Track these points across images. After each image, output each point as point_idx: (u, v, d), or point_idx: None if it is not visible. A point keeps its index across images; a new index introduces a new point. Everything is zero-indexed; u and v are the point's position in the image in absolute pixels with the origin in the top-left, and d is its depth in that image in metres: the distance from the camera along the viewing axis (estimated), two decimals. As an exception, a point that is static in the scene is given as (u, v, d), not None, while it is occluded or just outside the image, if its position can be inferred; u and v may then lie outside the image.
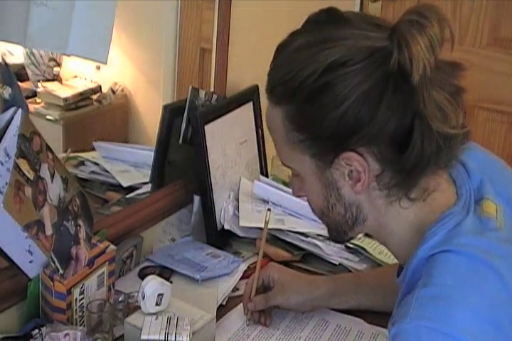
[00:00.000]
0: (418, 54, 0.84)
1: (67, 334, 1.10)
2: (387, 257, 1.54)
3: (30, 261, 1.15)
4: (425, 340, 0.82)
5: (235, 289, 1.42)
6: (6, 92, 1.12)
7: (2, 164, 1.07)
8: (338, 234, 1.03)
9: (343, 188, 0.94)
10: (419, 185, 0.93)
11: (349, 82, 0.87)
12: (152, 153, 1.59)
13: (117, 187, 1.60)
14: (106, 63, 1.19)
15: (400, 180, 0.91)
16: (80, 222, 1.22)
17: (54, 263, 1.16)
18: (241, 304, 1.37)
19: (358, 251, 1.54)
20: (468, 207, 0.94)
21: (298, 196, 1.05)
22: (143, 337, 1.10)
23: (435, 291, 0.85)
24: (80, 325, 1.20)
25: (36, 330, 1.13)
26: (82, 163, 1.61)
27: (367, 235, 1.61)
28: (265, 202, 1.65)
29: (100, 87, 1.68)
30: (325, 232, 1.55)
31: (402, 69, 0.85)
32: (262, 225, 1.55)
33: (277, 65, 0.95)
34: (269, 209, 1.39)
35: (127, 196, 1.58)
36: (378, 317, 1.33)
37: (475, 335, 0.81)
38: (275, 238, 1.56)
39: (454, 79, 0.90)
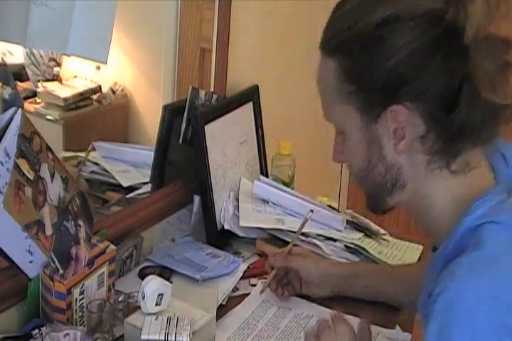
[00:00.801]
0: (473, 15, 0.86)
1: (67, 334, 1.10)
2: (387, 257, 1.54)
3: (30, 261, 1.15)
4: (469, 301, 0.82)
5: (235, 289, 1.42)
6: (6, 92, 1.12)
7: (2, 164, 1.07)
8: (376, 201, 1.01)
9: (386, 147, 0.94)
10: (461, 157, 0.93)
11: (404, 36, 0.88)
12: (152, 153, 1.59)
13: (117, 187, 1.60)
14: (106, 63, 1.19)
15: (443, 145, 0.91)
16: (80, 222, 1.22)
17: (54, 263, 1.16)
18: (241, 304, 1.38)
19: (358, 251, 1.54)
20: (508, 191, 0.94)
21: (337, 161, 1.05)
22: (143, 337, 1.10)
23: (485, 255, 0.85)
24: (80, 325, 1.20)
25: (36, 330, 1.13)
26: (81, 163, 1.61)
27: (366, 235, 1.61)
28: (265, 202, 1.65)
29: (100, 87, 1.68)
30: (325, 232, 1.57)
31: (455, 30, 0.87)
32: (261, 225, 1.56)
33: (335, 18, 0.98)
34: (311, 211, 1.46)
35: (127, 196, 1.58)
36: (378, 317, 1.33)
37: None
38: (275, 238, 1.56)
39: (505, 54, 0.91)
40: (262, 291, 1.39)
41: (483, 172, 0.96)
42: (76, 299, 1.19)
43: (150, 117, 1.70)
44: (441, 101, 0.89)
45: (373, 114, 0.93)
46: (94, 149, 1.63)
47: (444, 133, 0.91)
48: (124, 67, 1.69)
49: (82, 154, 1.61)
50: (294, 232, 1.53)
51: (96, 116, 1.70)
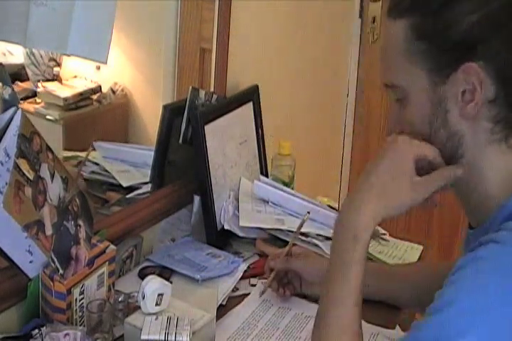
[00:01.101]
0: None
1: (67, 334, 1.10)
2: (387, 257, 1.54)
3: (30, 261, 1.15)
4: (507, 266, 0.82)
5: (235, 289, 1.42)
6: (6, 92, 1.12)
7: (2, 164, 1.07)
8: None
9: (452, 111, 0.93)
10: None
11: None
12: (152, 153, 1.59)
13: (117, 187, 1.60)
14: (106, 63, 1.19)
15: (509, 113, 0.91)
16: (80, 222, 1.22)
17: (54, 263, 1.16)
18: (241, 304, 1.38)
19: (358, 251, 1.54)
20: None
21: (393, 132, 1.01)
22: (143, 337, 1.10)
23: None
24: (80, 325, 1.20)
25: (36, 330, 1.13)
26: (81, 163, 1.61)
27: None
28: (265, 202, 1.65)
29: (100, 87, 1.68)
30: (325, 232, 1.57)
31: None
32: (261, 225, 1.56)
33: None
34: (308, 213, 1.47)
35: (127, 196, 1.58)
36: (378, 316, 1.33)
37: None
38: (275, 238, 1.56)
39: None
40: (262, 293, 1.39)
41: None
42: (76, 299, 1.19)
43: (150, 117, 1.70)
44: None
45: (443, 74, 0.92)
46: (94, 149, 1.63)
47: None
48: (124, 67, 1.69)
49: (82, 154, 1.61)
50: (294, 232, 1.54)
51: (96, 116, 1.70)
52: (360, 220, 0.96)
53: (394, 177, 0.95)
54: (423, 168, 0.97)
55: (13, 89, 1.14)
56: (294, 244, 1.45)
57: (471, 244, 0.92)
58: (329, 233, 1.58)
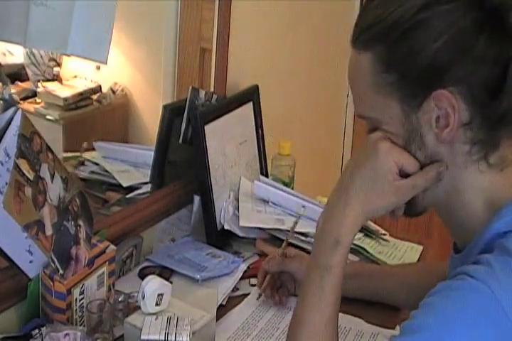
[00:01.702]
0: None
1: (67, 334, 1.10)
2: (387, 257, 1.54)
3: (30, 261, 1.15)
4: (480, 300, 0.83)
5: (235, 289, 1.42)
6: (6, 92, 1.12)
7: (2, 164, 1.07)
8: (411, 201, 0.98)
9: (427, 136, 0.92)
10: (500, 149, 0.92)
11: (446, 18, 0.87)
12: (152, 153, 1.59)
13: (117, 187, 1.60)
14: (106, 63, 1.19)
15: (485, 134, 0.90)
16: (80, 222, 1.22)
17: (54, 263, 1.16)
18: (241, 304, 1.38)
19: (358, 251, 1.54)
20: None
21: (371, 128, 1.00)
22: (143, 337, 1.10)
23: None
24: (80, 325, 1.20)
25: (36, 330, 1.13)
26: (82, 163, 1.61)
27: (366, 235, 1.61)
28: (265, 202, 1.65)
29: (100, 87, 1.68)
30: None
31: (497, 12, 0.86)
32: (261, 225, 1.56)
33: (369, 9, 0.94)
34: (303, 206, 1.48)
35: (127, 196, 1.58)
36: (378, 316, 1.33)
37: None
38: (275, 238, 1.56)
39: None
40: (259, 296, 1.39)
41: None
42: (76, 299, 1.19)
43: (150, 117, 1.70)
44: (486, 85, 0.88)
45: (415, 102, 0.91)
46: (93, 149, 1.63)
47: (488, 120, 0.89)
48: (124, 67, 1.69)
49: (82, 154, 1.61)
50: (295, 232, 1.53)
51: (96, 116, 1.70)
52: (342, 224, 0.97)
53: (375, 179, 0.95)
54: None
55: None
56: (290, 244, 1.44)
57: (454, 269, 0.92)
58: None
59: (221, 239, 1.57)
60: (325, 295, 0.96)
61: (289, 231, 1.54)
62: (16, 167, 1.09)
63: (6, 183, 1.07)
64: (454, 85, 0.88)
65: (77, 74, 1.69)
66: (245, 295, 1.41)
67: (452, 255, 1.01)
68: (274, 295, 1.37)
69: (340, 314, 1.31)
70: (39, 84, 1.62)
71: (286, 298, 1.38)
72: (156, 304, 1.18)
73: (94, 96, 1.67)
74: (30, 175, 1.12)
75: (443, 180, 0.94)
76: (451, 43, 0.87)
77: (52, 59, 1.63)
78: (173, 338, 1.10)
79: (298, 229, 1.54)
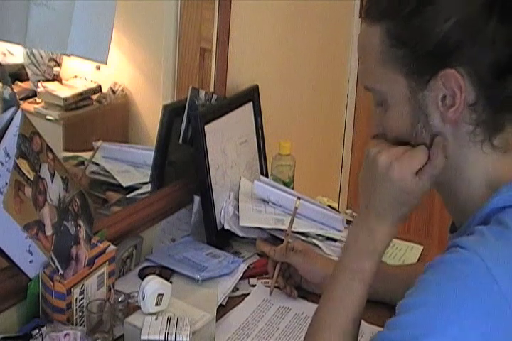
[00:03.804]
0: None
1: (67, 334, 1.10)
2: (387, 257, 1.54)
3: (30, 261, 1.15)
4: (470, 269, 0.83)
5: (235, 289, 1.42)
6: (6, 92, 1.12)
7: (2, 164, 1.07)
8: None
9: (432, 115, 0.92)
10: (503, 133, 0.92)
11: None
12: (152, 153, 1.59)
13: (117, 187, 1.60)
14: (106, 63, 1.19)
15: (490, 116, 0.91)
16: (80, 222, 1.22)
17: (54, 263, 1.16)
18: (241, 304, 1.38)
19: (358, 251, 1.54)
20: None
21: (376, 133, 1.01)
22: (143, 337, 1.10)
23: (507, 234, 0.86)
24: (80, 325, 1.20)
25: (36, 330, 1.13)
26: (82, 163, 1.61)
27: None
28: (265, 202, 1.65)
29: (100, 87, 1.68)
30: (325, 232, 1.57)
31: None
32: (261, 225, 1.56)
33: None
34: (298, 198, 1.48)
35: (127, 196, 1.58)
36: (378, 316, 1.33)
37: None
38: (275, 238, 1.56)
39: None
40: (271, 292, 1.40)
41: None
42: (76, 299, 1.19)
43: (150, 117, 1.70)
44: (494, 67, 0.88)
45: (422, 80, 0.91)
46: (97, 149, 1.63)
47: (494, 101, 0.90)
48: (123, 67, 1.69)
49: (82, 154, 1.61)
50: (294, 232, 1.54)
51: (96, 116, 1.70)
52: (380, 233, 1.00)
53: (394, 194, 0.97)
54: None
55: (12, 90, 1.14)
56: (289, 242, 1.45)
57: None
58: (329, 233, 1.58)
59: (221, 239, 1.57)
60: (355, 297, 0.98)
61: (291, 232, 1.54)
62: (16, 167, 1.09)
63: (6, 183, 1.07)
64: (462, 65, 0.89)
65: (77, 74, 1.68)
66: (245, 295, 1.41)
67: (448, 237, 1.02)
68: (286, 286, 1.39)
69: (340, 314, 1.31)
70: (39, 84, 1.62)
71: (295, 291, 1.40)
72: (156, 304, 1.18)
73: (94, 96, 1.67)
74: (30, 175, 1.12)
75: (447, 159, 0.95)
76: (461, 24, 0.88)
77: (52, 59, 1.62)
78: (173, 338, 1.10)
79: (298, 229, 1.54)
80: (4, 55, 1.52)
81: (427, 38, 0.89)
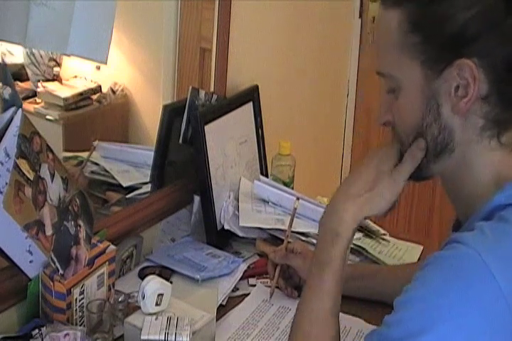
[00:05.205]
0: None
1: (67, 334, 1.10)
2: (387, 257, 1.54)
3: (30, 261, 1.15)
4: (468, 265, 0.84)
5: (235, 289, 1.42)
6: (6, 92, 1.12)
7: (2, 164, 1.07)
8: (420, 167, 0.99)
9: (444, 106, 0.92)
10: None
11: None
12: (152, 153, 1.59)
13: (117, 187, 1.60)
14: (106, 63, 1.19)
15: (501, 111, 0.91)
16: (80, 222, 1.22)
17: (54, 263, 1.16)
18: (241, 304, 1.38)
19: (358, 251, 1.54)
20: None
21: (383, 121, 1.01)
22: (143, 337, 1.10)
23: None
24: (80, 325, 1.20)
25: (36, 330, 1.13)
26: (82, 163, 1.61)
27: (367, 235, 1.61)
28: (265, 202, 1.65)
29: (100, 87, 1.68)
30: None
31: None
32: (261, 225, 1.56)
33: None
34: (298, 199, 1.48)
35: (127, 196, 1.58)
36: (378, 316, 1.33)
37: None
38: (275, 238, 1.56)
39: None
40: (271, 295, 1.40)
41: None
42: (76, 299, 1.19)
43: (150, 117, 1.70)
44: (508, 62, 0.88)
45: (436, 68, 0.91)
46: (95, 148, 1.63)
47: (504, 96, 0.90)
48: (123, 67, 1.68)
49: (82, 154, 1.61)
50: (294, 232, 1.54)
51: (96, 116, 1.70)
52: (342, 218, 1.01)
53: (374, 180, 1.01)
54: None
55: (14, 90, 1.13)
56: (289, 242, 1.45)
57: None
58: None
59: (221, 239, 1.57)
60: (325, 286, 1.00)
61: (292, 232, 1.54)
62: (16, 167, 1.09)
63: (6, 183, 1.07)
64: (478, 57, 0.89)
65: (77, 74, 1.68)
66: (245, 295, 1.41)
67: (450, 234, 1.02)
68: (287, 287, 1.39)
69: (340, 314, 1.31)
70: (39, 84, 1.62)
71: (295, 291, 1.40)
72: (156, 304, 1.18)
73: (94, 96, 1.67)
74: (30, 175, 1.12)
75: (453, 153, 0.95)
76: (481, 15, 0.88)
77: (52, 59, 1.62)
78: (173, 338, 1.10)
79: (298, 229, 1.54)
80: (4, 55, 1.52)
81: (446, 25, 0.89)
